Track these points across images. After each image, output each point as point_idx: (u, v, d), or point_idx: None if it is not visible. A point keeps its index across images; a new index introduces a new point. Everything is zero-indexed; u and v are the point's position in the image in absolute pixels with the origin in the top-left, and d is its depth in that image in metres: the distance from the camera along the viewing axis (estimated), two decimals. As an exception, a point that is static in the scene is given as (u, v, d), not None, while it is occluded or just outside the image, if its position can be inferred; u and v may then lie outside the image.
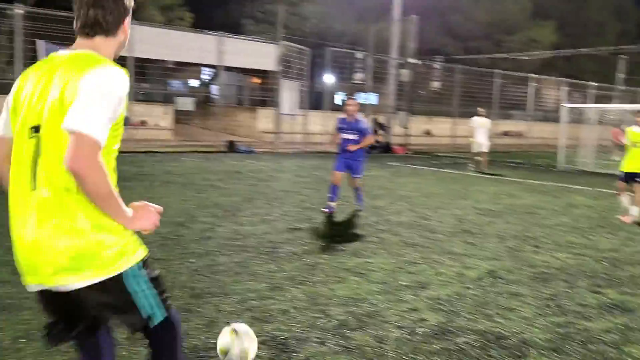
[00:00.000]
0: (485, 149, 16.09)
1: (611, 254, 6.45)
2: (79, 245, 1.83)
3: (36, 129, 1.85)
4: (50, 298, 1.97)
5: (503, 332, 3.93)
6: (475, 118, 16.11)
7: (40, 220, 1.83)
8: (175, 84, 35.50)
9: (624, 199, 9.01)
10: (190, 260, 5.40)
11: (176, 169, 13.28)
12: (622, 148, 9.54)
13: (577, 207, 9.99)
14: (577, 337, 3.88)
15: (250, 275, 5.00)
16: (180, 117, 27.17)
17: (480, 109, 16.37)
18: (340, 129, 8.39)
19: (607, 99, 33.83)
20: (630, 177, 8.89)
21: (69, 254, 1.83)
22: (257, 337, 3.63)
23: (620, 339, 3.89)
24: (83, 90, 1.78)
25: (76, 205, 1.83)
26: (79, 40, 2.00)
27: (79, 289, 1.87)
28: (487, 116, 16.67)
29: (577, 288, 5.05)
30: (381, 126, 24.08)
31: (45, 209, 1.83)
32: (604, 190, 12.43)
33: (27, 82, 1.96)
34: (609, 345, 3.77)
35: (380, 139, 23.91)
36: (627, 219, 8.65)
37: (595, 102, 30.43)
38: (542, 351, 3.63)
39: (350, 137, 8.23)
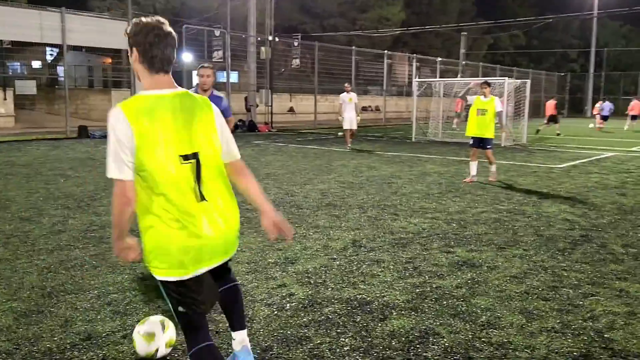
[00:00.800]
0: (354, 126, 15.89)
1: (459, 215, 7.04)
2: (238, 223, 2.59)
3: (189, 156, 2.32)
4: (206, 275, 2.46)
5: (366, 297, 4.12)
6: (343, 95, 15.90)
7: (222, 219, 2.44)
8: (15, 66, 32.24)
9: (472, 163, 9.89)
10: (40, 257, 4.96)
11: (20, 159, 12.09)
12: (463, 116, 10.46)
13: (429, 174, 10.75)
14: (432, 295, 4.19)
15: (110, 267, 4.72)
16: (23, 102, 24.80)
17: (347, 85, 16.15)
18: None
19: (452, 73, 36.71)
20: (477, 142, 9.81)
21: (237, 233, 2.59)
22: (119, 331, 3.46)
23: (468, 292, 4.26)
24: (223, 127, 2.52)
25: (234, 199, 2.58)
26: (162, 77, 2.35)
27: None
28: (354, 92, 16.79)
29: (431, 250, 5.45)
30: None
31: (221, 209, 2.45)
32: (452, 157, 13.50)
33: (148, 121, 2.23)
34: (459, 299, 4.12)
35: (245, 117, 23.76)
36: (469, 180, 9.61)
37: (442, 76, 32.86)
38: (402, 311, 3.87)
39: None
